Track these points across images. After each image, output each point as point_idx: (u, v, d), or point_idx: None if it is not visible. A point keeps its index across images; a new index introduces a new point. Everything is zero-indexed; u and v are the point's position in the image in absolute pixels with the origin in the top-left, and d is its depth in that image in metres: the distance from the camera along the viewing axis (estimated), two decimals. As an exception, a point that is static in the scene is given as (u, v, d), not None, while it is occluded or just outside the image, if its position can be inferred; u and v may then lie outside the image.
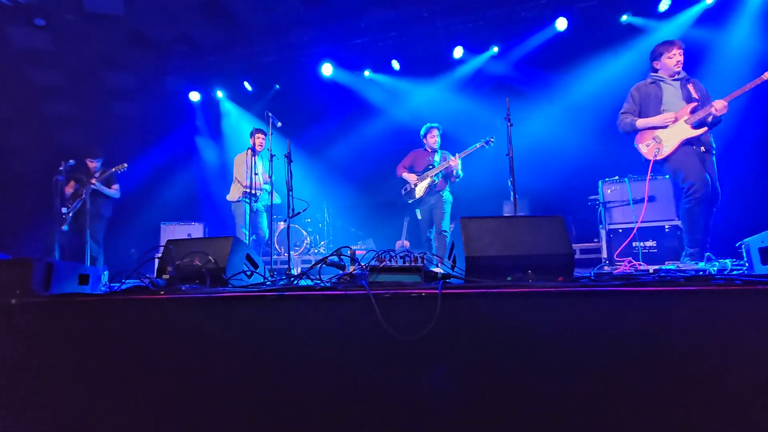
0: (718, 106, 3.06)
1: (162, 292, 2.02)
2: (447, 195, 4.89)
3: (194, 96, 7.59)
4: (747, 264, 1.87)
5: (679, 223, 4.56)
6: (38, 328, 1.95)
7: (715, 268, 2.09)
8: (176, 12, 5.91)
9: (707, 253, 2.72)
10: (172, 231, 6.44)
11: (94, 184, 4.91)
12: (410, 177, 4.96)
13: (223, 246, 2.43)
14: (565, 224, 1.99)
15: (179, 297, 1.90)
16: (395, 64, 6.88)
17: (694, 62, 5.38)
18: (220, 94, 7.62)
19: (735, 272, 1.97)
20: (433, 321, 1.51)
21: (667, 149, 3.22)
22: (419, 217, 5.00)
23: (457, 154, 4.68)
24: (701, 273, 1.87)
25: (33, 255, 6.08)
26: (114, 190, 5.17)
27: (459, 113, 5.13)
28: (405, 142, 5.04)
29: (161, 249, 2.50)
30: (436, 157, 4.93)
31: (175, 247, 2.45)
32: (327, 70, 6.97)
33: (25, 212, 6.29)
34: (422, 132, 5.07)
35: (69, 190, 5.03)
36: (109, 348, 1.86)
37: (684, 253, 3.18)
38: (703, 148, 3.20)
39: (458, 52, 6.52)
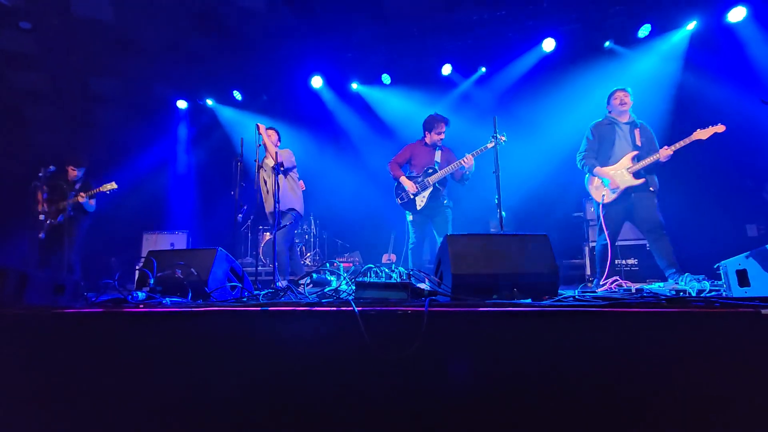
0: (663, 154, 3.49)
1: (141, 305, 1.96)
2: (448, 200, 4.25)
3: (181, 104, 7.52)
4: (725, 285, 1.92)
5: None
6: (10, 341, 1.86)
7: (694, 290, 2.14)
8: (167, 20, 5.88)
9: (686, 273, 2.79)
10: (155, 240, 6.30)
11: (82, 199, 4.77)
12: (409, 185, 4.19)
13: (206, 258, 2.39)
14: (550, 243, 2.02)
15: (159, 311, 1.85)
16: (386, 78, 6.96)
17: (676, 87, 5.62)
18: (209, 102, 7.57)
19: (713, 293, 2.02)
20: (419, 339, 1.50)
21: (612, 195, 3.68)
22: (409, 218, 4.28)
23: (469, 154, 3.98)
24: (681, 294, 1.91)
25: (7, 263, 5.87)
26: (91, 204, 5.04)
27: (447, 136, 4.83)
28: (392, 154, 4.69)
29: (142, 260, 2.44)
30: (437, 156, 4.25)
31: (156, 259, 2.39)
32: (316, 82, 7.01)
33: (1, 218, 6.08)
34: (427, 123, 4.36)
35: (44, 201, 4.87)
36: (84, 362, 1.79)
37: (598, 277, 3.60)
38: (634, 194, 3.60)
39: (447, 69, 6.64)
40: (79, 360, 1.80)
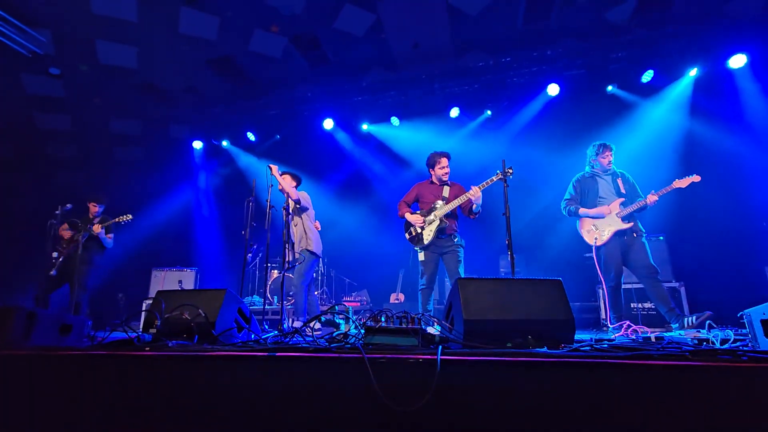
0: (650, 199, 3.74)
1: (147, 348, 1.93)
2: (459, 238, 4.12)
3: (197, 144, 7.77)
4: (750, 335, 1.84)
5: (676, 285, 4.56)
6: (15, 381, 1.83)
7: (717, 339, 2.06)
8: (186, 65, 6.21)
9: (708, 321, 2.69)
10: (164, 277, 6.30)
11: (98, 231, 4.81)
12: (415, 219, 4.11)
13: (214, 299, 2.37)
14: (564, 288, 1.97)
15: (164, 354, 1.81)
16: (395, 121, 7.15)
17: (684, 131, 5.69)
18: (224, 143, 7.82)
19: (738, 343, 1.93)
20: (432, 390, 1.44)
21: (604, 237, 3.91)
22: (422, 258, 4.11)
23: (476, 186, 3.90)
24: (705, 345, 1.83)
25: (25, 299, 5.90)
26: (109, 239, 5.07)
27: (455, 176, 4.77)
28: (400, 191, 4.64)
29: (150, 297, 2.43)
30: (445, 192, 4.17)
31: (165, 299, 2.38)
32: (328, 124, 7.22)
33: (19, 255, 6.18)
34: (429, 161, 4.28)
35: (63, 233, 4.94)
36: (88, 404, 1.74)
37: (611, 322, 3.78)
38: (626, 237, 3.85)
39: (454, 112, 6.81)
40: (83, 402, 1.76)
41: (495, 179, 3.82)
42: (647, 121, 6.04)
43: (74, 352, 1.91)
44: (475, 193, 3.87)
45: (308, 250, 4.25)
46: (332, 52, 6.13)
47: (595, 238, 3.96)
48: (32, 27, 5.24)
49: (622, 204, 3.89)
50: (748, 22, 5.28)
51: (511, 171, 3.69)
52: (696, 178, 3.76)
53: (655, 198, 3.75)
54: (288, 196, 4.11)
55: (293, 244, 3.58)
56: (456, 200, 4.03)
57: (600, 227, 3.96)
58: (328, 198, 7.56)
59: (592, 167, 4.15)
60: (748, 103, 5.48)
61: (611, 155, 4.07)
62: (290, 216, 3.53)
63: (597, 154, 4.10)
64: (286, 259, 3.51)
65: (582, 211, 4.07)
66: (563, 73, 6.14)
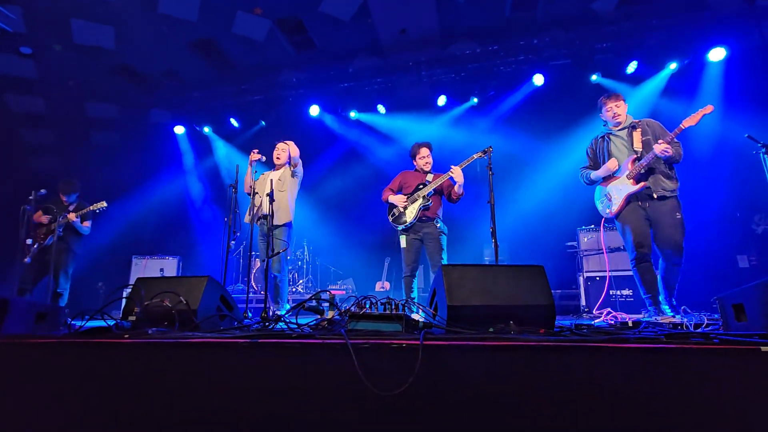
0: (657, 149, 3.05)
1: (126, 336, 1.90)
2: (442, 225, 4.06)
3: (179, 129, 7.57)
4: (722, 319, 1.90)
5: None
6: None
7: (691, 323, 2.12)
8: (167, 48, 6.01)
9: (683, 306, 2.77)
10: (144, 265, 6.19)
11: (72, 219, 4.62)
12: (398, 199, 4.10)
13: (196, 286, 2.33)
14: (545, 274, 2.00)
15: (144, 341, 1.78)
16: (381, 109, 7.08)
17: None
18: (206, 129, 7.64)
19: (711, 327, 2.00)
20: (414, 374, 1.45)
21: (615, 206, 3.26)
22: (404, 245, 4.06)
23: (455, 165, 3.85)
24: (679, 329, 1.89)
25: (1, 288, 5.69)
26: (86, 226, 4.90)
27: (439, 162, 4.74)
28: (385, 182, 4.62)
29: (130, 285, 2.38)
30: (429, 177, 4.13)
31: (145, 286, 2.33)
32: (314, 110, 7.11)
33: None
34: (411, 152, 4.30)
35: (37, 220, 4.75)
36: (63, 395, 1.71)
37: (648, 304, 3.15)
38: (642, 202, 3.17)
39: (441, 100, 6.79)
40: (57, 391, 1.72)
41: (476, 157, 3.81)
42: (629, 111, 6.12)
43: (48, 339, 1.86)
44: (454, 172, 3.84)
45: (287, 224, 4.13)
46: (318, 36, 6.01)
47: (608, 208, 3.33)
48: (0, 3, 4.98)
49: (635, 161, 3.18)
50: (729, 15, 5.37)
51: (491, 149, 3.63)
52: (708, 109, 3.04)
53: (663, 146, 3.03)
54: (290, 159, 4.08)
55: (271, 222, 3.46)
56: (439, 179, 4.02)
57: (613, 194, 3.29)
58: (313, 186, 7.49)
59: (605, 125, 3.53)
60: (722, 92, 5.61)
61: (617, 105, 3.36)
62: (272, 202, 3.47)
63: (601, 109, 3.47)
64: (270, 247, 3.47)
65: (593, 174, 3.42)
66: (549, 63, 6.17)
